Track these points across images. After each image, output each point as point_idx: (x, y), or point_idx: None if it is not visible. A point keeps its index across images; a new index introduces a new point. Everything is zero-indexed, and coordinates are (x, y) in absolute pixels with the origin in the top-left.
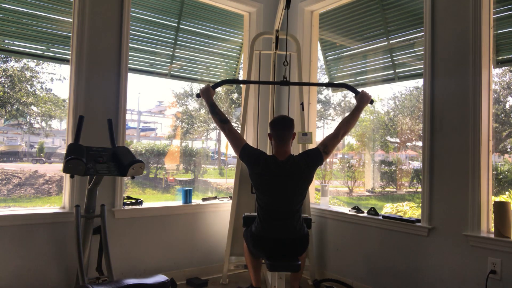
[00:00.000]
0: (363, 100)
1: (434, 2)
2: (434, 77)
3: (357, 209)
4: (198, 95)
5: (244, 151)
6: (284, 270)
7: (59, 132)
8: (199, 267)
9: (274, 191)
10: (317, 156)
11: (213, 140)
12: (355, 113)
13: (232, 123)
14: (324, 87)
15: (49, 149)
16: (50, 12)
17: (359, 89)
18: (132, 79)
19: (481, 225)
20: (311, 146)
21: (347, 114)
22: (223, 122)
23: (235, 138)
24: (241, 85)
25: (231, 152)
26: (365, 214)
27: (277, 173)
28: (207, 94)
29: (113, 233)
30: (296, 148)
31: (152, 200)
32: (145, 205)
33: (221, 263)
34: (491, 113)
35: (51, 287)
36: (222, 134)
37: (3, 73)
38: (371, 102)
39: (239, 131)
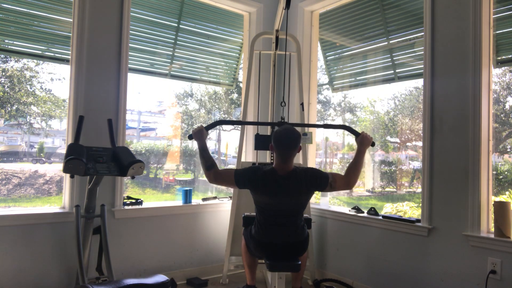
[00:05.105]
0: (364, 143)
1: (434, 2)
2: (434, 77)
3: (357, 209)
4: (190, 137)
5: (240, 179)
6: (284, 270)
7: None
8: (199, 267)
9: (274, 205)
10: (322, 183)
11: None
12: (357, 158)
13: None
14: (323, 88)
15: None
16: (50, 12)
17: (359, 131)
18: (132, 79)
19: (481, 225)
20: (311, 146)
21: (347, 114)
22: (208, 169)
23: (223, 177)
24: (241, 85)
25: (231, 152)
26: (365, 214)
27: (276, 190)
28: (200, 136)
29: (113, 233)
30: None
31: (152, 200)
32: (145, 205)
33: (221, 263)
34: (491, 113)
35: (51, 287)
36: (221, 134)
37: (3, 74)
38: (373, 144)
39: (239, 132)
